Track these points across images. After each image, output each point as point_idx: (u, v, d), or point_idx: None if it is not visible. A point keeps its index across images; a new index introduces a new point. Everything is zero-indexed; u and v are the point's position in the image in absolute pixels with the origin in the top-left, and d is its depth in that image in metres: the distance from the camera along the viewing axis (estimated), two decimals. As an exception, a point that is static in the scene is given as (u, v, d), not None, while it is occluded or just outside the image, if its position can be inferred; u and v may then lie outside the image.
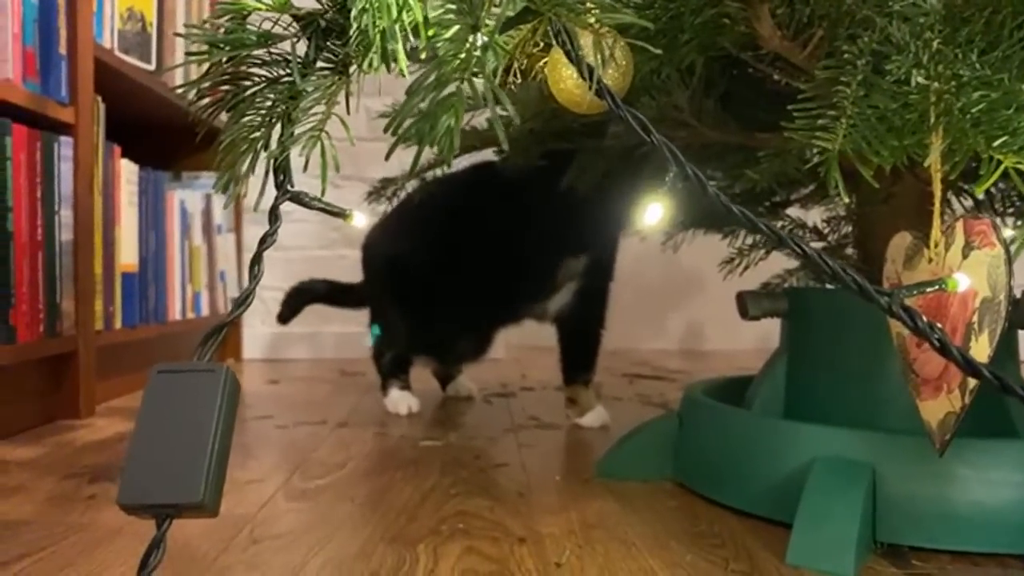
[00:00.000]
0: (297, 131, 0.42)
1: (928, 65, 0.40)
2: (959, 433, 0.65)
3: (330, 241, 2.13)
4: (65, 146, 1.21)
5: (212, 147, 1.71)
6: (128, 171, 1.44)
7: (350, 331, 2.05)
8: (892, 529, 0.67)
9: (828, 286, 0.99)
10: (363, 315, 1.47)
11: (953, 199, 0.93)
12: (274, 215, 0.45)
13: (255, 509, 0.78)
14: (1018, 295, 0.75)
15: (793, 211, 1.07)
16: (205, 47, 0.43)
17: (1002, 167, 0.39)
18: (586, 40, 0.41)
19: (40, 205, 1.14)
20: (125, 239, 1.42)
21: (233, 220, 2.02)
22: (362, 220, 0.48)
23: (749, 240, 0.98)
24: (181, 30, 1.69)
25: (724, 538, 0.70)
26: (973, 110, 0.39)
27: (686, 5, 0.58)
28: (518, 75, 0.52)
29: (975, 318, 0.42)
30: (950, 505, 0.65)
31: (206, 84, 0.44)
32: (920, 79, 0.40)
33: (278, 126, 0.44)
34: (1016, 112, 0.39)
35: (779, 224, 0.92)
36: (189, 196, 1.76)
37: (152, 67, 1.54)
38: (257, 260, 0.44)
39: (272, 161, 0.44)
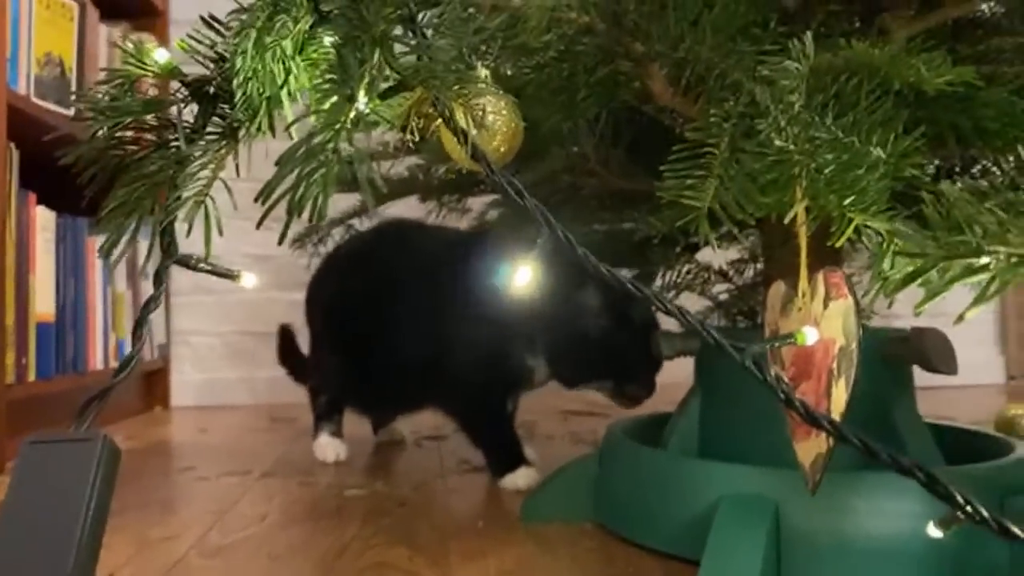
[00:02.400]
0: (183, 195, 0.42)
1: (787, 128, 0.43)
2: (856, 466, 0.68)
3: (261, 285, 2.10)
4: (-26, 195, 1.18)
5: (118, 176, 1.65)
6: (44, 218, 1.41)
7: (281, 375, 2.02)
8: (794, 563, 0.69)
9: (739, 325, 1.03)
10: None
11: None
12: (159, 279, 0.45)
13: (164, 570, 0.76)
14: (907, 332, 0.79)
15: (707, 253, 1.11)
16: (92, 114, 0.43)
17: (853, 224, 0.42)
18: (460, 110, 0.43)
19: (-54, 257, 1.10)
20: (40, 288, 1.38)
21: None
22: (251, 280, 0.48)
23: (659, 283, 1.01)
24: (101, 76, 1.67)
25: (637, 579, 0.71)
26: (827, 170, 0.42)
27: (580, 63, 0.61)
28: (415, 133, 0.53)
29: (834, 365, 0.45)
30: (846, 537, 0.68)
31: (92, 149, 0.44)
32: (780, 141, 0.43)
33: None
34: (865, 172, 0.42)
35: (686, 268, 0.95)
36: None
37: (71, 112, 1.52)
38: (140, 324, 0.44)
39: (157, 226, 0.45)
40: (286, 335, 1.49)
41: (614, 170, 0.85)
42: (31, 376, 1.34)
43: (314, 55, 0.41)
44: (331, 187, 0.37)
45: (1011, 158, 0.66)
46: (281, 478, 1.16)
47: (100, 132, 0.44)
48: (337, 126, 0.38)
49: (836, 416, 0.45)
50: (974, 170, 0.63)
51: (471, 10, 0.53)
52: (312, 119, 0.39)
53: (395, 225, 1.22)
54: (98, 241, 1.65)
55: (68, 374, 1.48)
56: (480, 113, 0.43)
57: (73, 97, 0.42)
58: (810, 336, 0.43)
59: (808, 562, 0.68)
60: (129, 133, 0.45)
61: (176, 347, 2.06)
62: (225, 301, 2.09)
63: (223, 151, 0.44)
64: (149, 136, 0.45)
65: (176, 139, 0.44)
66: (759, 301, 1.04)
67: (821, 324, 0.45)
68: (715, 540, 0.68)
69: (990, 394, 1.93)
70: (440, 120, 0.52)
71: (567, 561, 0.77)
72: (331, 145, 0.37)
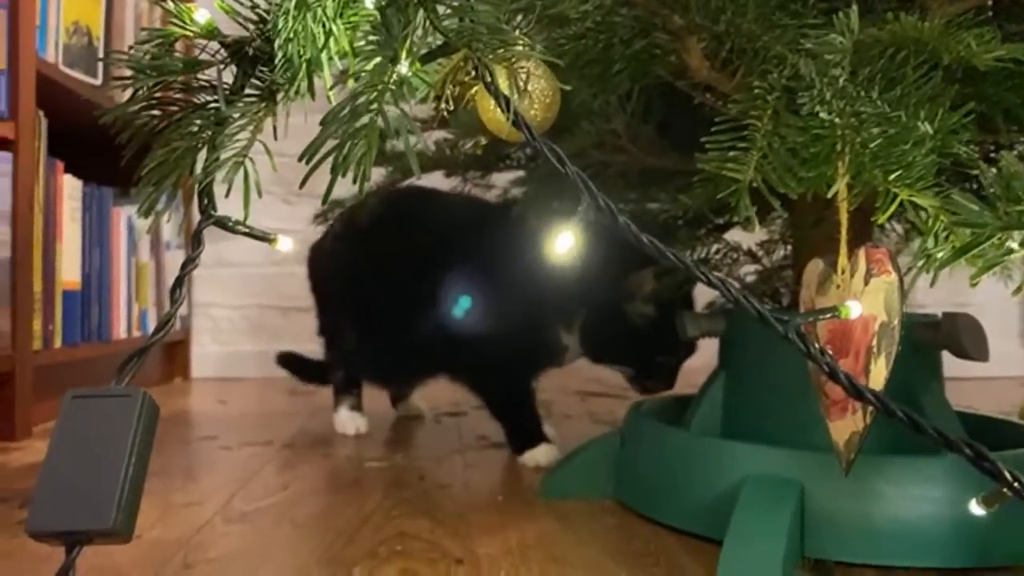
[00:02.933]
0: (222, 157, 0.42)
1: (832, 101, 0.42)
2: (883, 451, 0.68)
3: (282, 259, 2.11)
4: (3, 161, 1.19)
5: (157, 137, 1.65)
6: (71, 187, 1.42)
7: (302, 349, 2.03)
8: (818, 545, 0.69)
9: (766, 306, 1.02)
10: (314, 332, 1.45)
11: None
12: (197, 240, 0.45)
13: (191, 533, 0.77)
14: (940, 316, 0.78)
15: (735, 233, 1.09)
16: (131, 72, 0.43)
17: (898, 200, 0.41)
18: (503, 74, 0.42)
19: (-24, 222, 1.12)
20: (67, 256, 1.39)
21: (183, 236, 1.99)
22: (288, 244, 0.48)
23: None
24: (129, 44, 1.67)
25: (658, 556, 0.71)
26: (872, 145, 0.41)
27: (617, 35, 0.60)
28: (450, 103, 0.53)
29: (874, 342, 0.44)
30: (872, 521, 0.68)
31: (132, 110, 0.44)
32: (825, 115, 0.42)
33: (203, 152, 0.44)
34: (912, 147, 0.41)
35: (715, 248, 0.94)
36: (136, 212, 1.73)
37: (99, 81, 1.52)
38: (179, 283, 0.44)
39: (197, 186, 0.45)
40: (289, 361, 1.47)
41: (644, 147, 0.84)
42: (57, 343, 1.36)
43: (354, 17, 0.41)
44: (375, 147, 0.37)
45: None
46: (302, 449, 1.17)
47: (140, 91, 0.44)
48: (380, 87, 0.37)
49: (876, 395, 0.44)
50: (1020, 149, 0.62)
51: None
52: (351, 82, 0.39)
53: (408, 193, 1.19)
54: (124, 211, 1.66)
55: (93, 342, 1.49)
56: (524, 77, 0.42)
57: (112, 56, 0.42)
58: (854, 310, 0.43)
59: (832, 543, 0.68)
60: (169, 93, 0.45)
61: (196, 319, 2.08)
62: (245, 275, 2.10)
63: (262, 113, 0.44)
64: (188, 97, 0.45)
65: (215, 100, 0.44)
66: (785, 283, 1.03)
67: (861, 300, 0.45)
68: (739, 520, 0.67)
69: (1012, 386, 1.91)
70: (475, 89, 0.51)
71: (587, 537, 0.77)
72: (375, 106, 0.37)
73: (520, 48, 0.41)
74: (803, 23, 0.52)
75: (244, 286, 2.10)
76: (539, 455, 1.06)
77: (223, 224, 0.45)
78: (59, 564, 0.68)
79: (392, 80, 0.38)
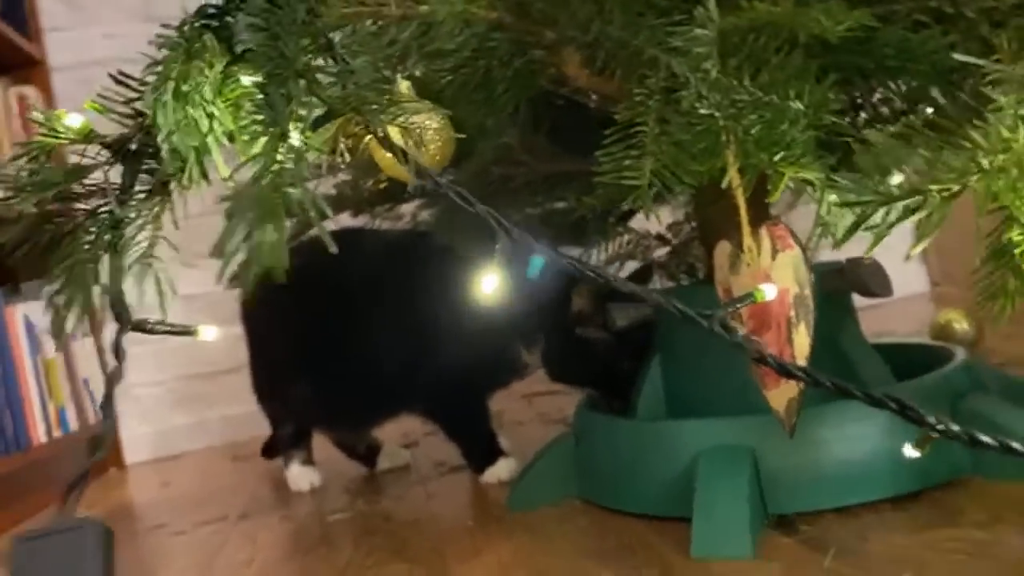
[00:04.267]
0: (128, 261, 0.41)
1: (709, 95, 0.45)
2: (816, 402, 0.72)
3: (198, 325, 2.04)
4: None
5: (50, 252, 1.60)
6: (-43, 298, 1.33)
7: (235, 412, 1.97)
8: (777, 501, 0.72)
9: (682, 283, 1.05)
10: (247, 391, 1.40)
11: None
12: (118, 350, 0.44)
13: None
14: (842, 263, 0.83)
15: (641, 220, 1.13)
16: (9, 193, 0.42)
17: (785, 179, 0.44)
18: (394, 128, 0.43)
19: None
20: (-34, 371, 1.31)
21: (87, 323, 1.90)
22: (212, 334, 0.47)
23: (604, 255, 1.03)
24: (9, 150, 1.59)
25: (634, 547, 0.73)
26: (753, 131, 0.44)
27: (495, 58, 0.62)
28: (344, 155, 0.53)
29: (792, 313, 0.47)
30: (821, 468, 0.71)
31: (18, 230, 0.42)
32: (704, 109, 0.44)
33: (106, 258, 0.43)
34: (789, 126, 0.44)
35: (626, 238, 0.97)
36: (33, 308, 1.64)
37: (-36, 183, 1.44)
38: (108, 400, 0.43)
39: (106, 296, 0.43)
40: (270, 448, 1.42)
41: (540, 156, 0.86)
42: (-27, 463, 1.28)
43: (233, 95, 0.41)
44: (284, 233, 0.37)
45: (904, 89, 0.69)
46: (259, 517, 1.14)
47: (27, 208, 0.42)
48: (277, 166, 0.37)
49: (801, 360, 0.47)
50: (885, 111, 0.66)
51: (379, 23, 0.53)
52: (243, 161, 0.38)
53: (338, 232, 1.17)
54: (18, 309, 1.57)
55: (12, 453, 1.41)
56: (417, 132, 0.43)
57: None
58: (768, 292, 0.45)
59: (790, 498, 0.72)
60: (55, 205, 0.43)
61: (121, 403, 1.98)
62: (162, 349, 2.02)
63: (158, 208, 0.43)
64: (77, 204, 0.43)
65: (106, 204, 0.42)
66: (698, 257, 1.07)
67: (772, 276, 0.48)
68: (701, 494, 0.70)
69: (918, 303, 2.03)
70: (369, 137, 0.51)
71: (563, 544, 0.78)
72: (277, 188, 0.37)
73: (409, 104, 0.42)
74: (668, 21, 0.54)
75: (164, 360, 2.02)
76: (500, 471, 1.07)
77: (142, 328, 0.44)
78: None
79: (287, 156, 0.38)
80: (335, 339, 1.13)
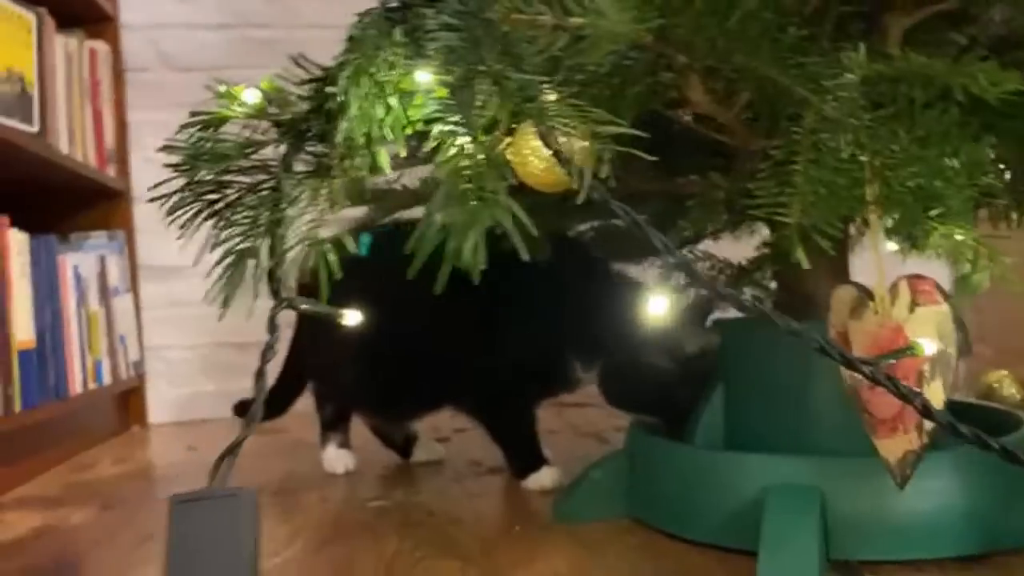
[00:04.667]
0: (291, 239, 0.42)
1: (866, 142, 0.45)
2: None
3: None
4: (-50, 223, 1.12)
5: (98, 205, 1.62)
6: (18, 241, 1.35)
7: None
8: (842, 546, 0.72)
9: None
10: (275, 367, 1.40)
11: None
12: (272, 325, 0.44)
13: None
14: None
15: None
16: (182, 159, 0.42)
17: (936, 234, 0.44)
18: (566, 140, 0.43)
19: (-72, 290, 1.05)
20: (19, 314, 1.32)
21: (129, 280, 1.92)
22: (355, 318, 0.48)
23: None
24: (62, 88, 1.60)
25: (693, 573, 0.74)
26: (909, 183, 0.44)
27: (628, 77, 0.62)
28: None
29: (926, 367, 0.48)
30: (890, 518, 0.72)
31: (189, 197, 0.43)
32: (863, 157, 0.45)
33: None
34: (944, 184, 0.44)
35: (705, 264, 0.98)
36: (82, 259, 1.66)
37: (36, 129, 1.45)
38: (261, 373, 0.44)
39: (268, 272, 0.44)
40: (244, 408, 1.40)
41: (634, 173, 0.86)
42: (17, 407, 1.29)
43: (409, 87, 0.41)
44: (483, 239, 0.37)
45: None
46: (296, 494, 1.14)
47: (198, 176, 0.43)
48: (467, 169, 0.38)
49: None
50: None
51: (531, 32, 0.54)
52: (439, 159, 0.39)
53: (413, 222, 1.16)
54: (69, 259, 1.58)
55: (52, 401, 1.42)
56: (584, 142, 0.43)
57: (167, 146, 0.39)
58: (927, 348, 0.45)
59: (855, 543, 0.72)
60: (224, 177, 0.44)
61: (150, 363, 2.00)
62: (198, 314, 2.02)
63: (317, 188, 0.43)
64: (241, 178, 0.44)
65: (269, 180, 0.43)
66: (755, 284, 1.07)
67: (906, 328, 0.48)
68: (770, 529, 0.70)
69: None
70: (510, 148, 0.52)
71: (616, 561, 0.79)
72: (472, 188, 0.37)
73: (593, 122, 0.42)
74: (817, 61, 0.54)
75: (197, 325, 2.03)
76: (543, 478, 1.07)
77: (293, 305, 0.44)
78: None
79: (479, 159, 0.38)
80: (391, 325, 1.13)
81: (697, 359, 0.99)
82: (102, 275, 1.75)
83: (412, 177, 0.98)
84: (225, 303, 0.44)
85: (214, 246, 0.43)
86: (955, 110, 0.48)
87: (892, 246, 0.66)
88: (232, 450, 0.43)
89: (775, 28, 0.62)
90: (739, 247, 1.09)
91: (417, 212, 1.10)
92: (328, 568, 0.82)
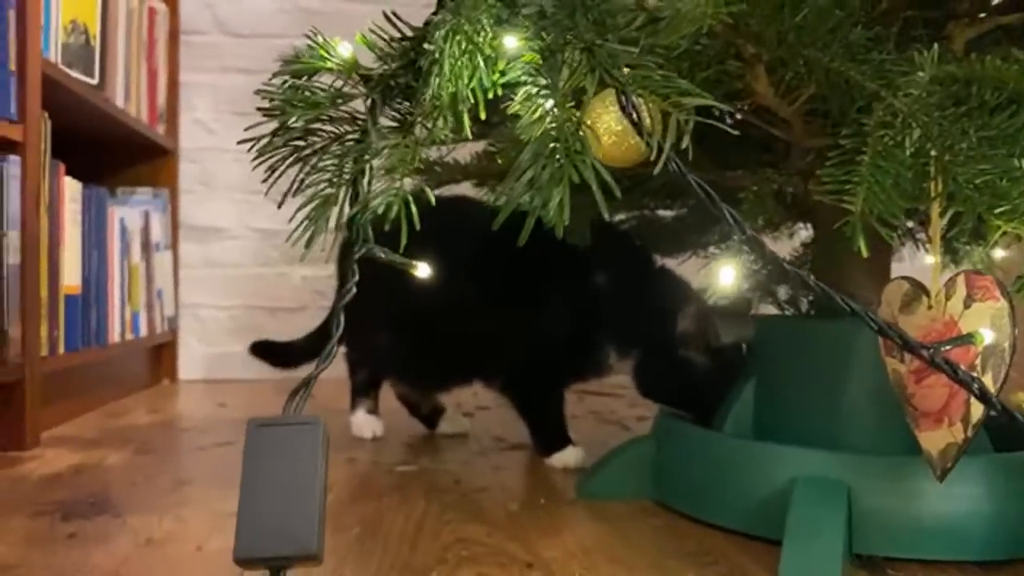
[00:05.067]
0: (377, 188, 0.44)
1: (936, 138, 0.46)
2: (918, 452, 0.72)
3: (270, 260, 2.08)
4: (13, 165, 1.16)
5: (146, 162, 1.65)
6: (72, 189, 1.39)
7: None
8: (866, 541, 0.73)
9: (788, 313, 1.06)
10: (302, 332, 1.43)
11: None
12: (353, 269, 0.46)
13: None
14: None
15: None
16: (276, 104, 0.44)
17: (1001, 231, 0.45)
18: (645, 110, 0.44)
19: (-12, 227, 1.09)
20: (69, 260, 1.37)
21: (170, 237, 1.96)
22: (426, 271, 0.50)
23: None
24: (122, 43, 1.64)
25: (716, 555, 0.75)
26: (977, 180, 0.45)
27: (696, 63, 0.63)
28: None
29: (978, 361, 0.49)
30: (918, 518, 0.72)
31: (280, 143, 0.45)
32: (934, 151, 0.45)
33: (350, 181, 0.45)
34: (1011, 183, 0.45)
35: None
36: (128, 213, 1.70)
37: (95, 81, 1.49)
38: (335, 313, 0.46)
39: (349, 219, 0.46)
40: (263, 349, 1.44)
41: (683, 160, 0.87)
42: (61, 349, 1.33)
43: (499, 50, 0.43)
44: (567, 187, 0.39)
45: None
46: (325, 454, 1.17)
47: (292, 122, 0.45)
48: (567, 131, 0.39)
49: (981, 410, 0.48)
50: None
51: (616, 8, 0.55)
52: (530, 122, 0.41)
53: (455, 198, 1.18)
54: (116, 212, 1.62)
55: (93, 347, 1.47)
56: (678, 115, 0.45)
57: (261, 91, 0.41)
58: (987, 336, 0.46)
59: (880, 539, 0.73)
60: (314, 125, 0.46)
61: (183, 320, 2.04)
62: (233, 275, 2.07)
63: (401, 145, 0.45)
64: (328, 128, 0.46)
65: (353, 132, 0.45)
66: (800, 290, 1.07)
67: (960, 322, 0.49)
68: (796, 519, 0.71)
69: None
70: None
71: (640, 539, 0.80)
72: (560, 147, 0.39)
73: (676, 92, 0.44)
74: (882, 59, 0.55)
75: (231, 287, 2.07)
76: (568, 457, 1.09)
77: (372, 255, 0.46)
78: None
79: (566, 124, 0.40)
80: (429, 297, 1.15)
81: (730, 353, 1.01)
82: (145, 230, 1.79)
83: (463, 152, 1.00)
84: (308, 244, 0.45)
85: (298, 191, 0.45)
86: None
87: (929, 259, 0.67)
88: (307, 383, 0.45)
89: (846, 25, 0.63)
90: (777, 247, 1.10)
91: (463, 187, 1.13)
92: (358, 522, 0.85)
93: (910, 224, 1.03)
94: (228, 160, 2.02)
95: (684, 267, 1.19)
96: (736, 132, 0.89)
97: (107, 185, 1.74)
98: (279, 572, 0.41)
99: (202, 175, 2.04)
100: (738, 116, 0.89)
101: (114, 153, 1.81)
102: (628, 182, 0.95)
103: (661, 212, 1.22)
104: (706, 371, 1.01)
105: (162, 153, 1.92)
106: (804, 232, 1.14)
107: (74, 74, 1.39)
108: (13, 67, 1.16)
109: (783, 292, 1.02)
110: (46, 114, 1.26)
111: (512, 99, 0.46)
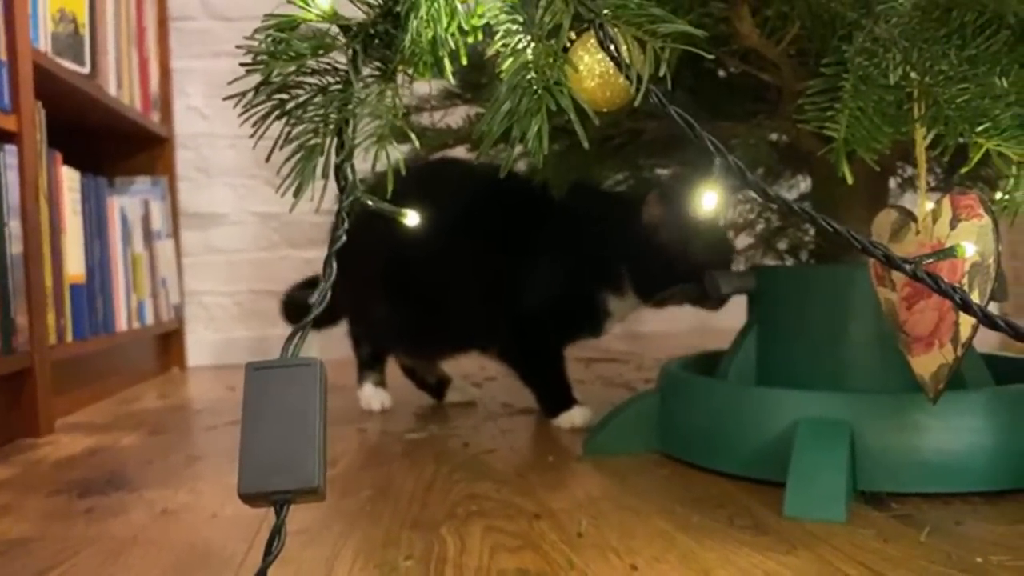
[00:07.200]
0: (360, 137, 0.44)
1: (917, 62, 0.46)
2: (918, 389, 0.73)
3: (271, 243, 2.09)
4: (9, 155, 1.16)
5: (143, 150, 1.66)
6: (70, 178, 1.39)
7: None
8: (870, 478, 0.74)
9: (788, 263, 1.07)
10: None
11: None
12: (341, 218, 0.47)
13: (265, 509, 0.79)
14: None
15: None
16: (259, 58, 0.45)
17: (983, 150, 0.45)
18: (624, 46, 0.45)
19: (-11, 218, 1.10)
20: (71, 249, 1.38)
21: (171, 226, 1.97)
22: (414, 219, 0.50)
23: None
24: (111, 31, 1.64)
25: (722, 499, 0.76)
26: (957, 101, 0.45)
27: (679, 5, 0.63)
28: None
29: (965, 280, 0.49)
30: (919, 453, 0.73)
31: (262, 97, 0.45)
32: (914, 75, 0.46)
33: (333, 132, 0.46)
34: (992, 101, 0.45)
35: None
36: (128, 202, 1.71)
37: (86, 70, 1.49)
38: (329, 261, 0.46)
39: (336, 167, 0.46)
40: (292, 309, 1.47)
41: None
42: (69, 337, 1.34)
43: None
44: (545, 124, 0.39)
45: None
46: (335, 427, 1.18)
47: (274, 75, 0.45)
48: (535, 60, 0.40)
49: (967, 326, 0.49)
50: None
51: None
52: (509, 58, 0.41)
53: (441, 163, 1.16)
54: (116, 201, 1.63)
55: (100, 335, 1.48)
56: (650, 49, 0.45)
57: (243, 43, 0.41)
58: (968, 249, 0.47)
59: (883, 475, 0.74)
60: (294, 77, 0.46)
61: (189, 307, 2.06)
62: (235, 260, 2.08)
63: (384, 92, 0.45)
64: (311, 79, 0.46)
65: (336, 82, 0.45)
66: (801, 239, 1.08)
67: (947, 244, 0.49)
68: (799, 459, 0.72)
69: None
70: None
71: (648, 488, 0.81)
72: (536, 78, 0.39)
73: (652, 20, 0.44)
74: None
75: (235, 272, 2.08)
76: (574, 416, 1.10)
77: (364, 204, 0.47)
78: (146, 545, 0.70)
79: (544, 58, 0.40)
80: (423, 267, 1.16)
81: (706, 225, 1.03)
82: (146, 219, 1.80)
83: (454, 117, 1.00)
84: (297, 193, 0.46)
85: (284, 143, 0.46)
86: (1006, 33, 0.49)
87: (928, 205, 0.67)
88: (304, 326, 0.46)
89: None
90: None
91: (457, 152, 1.14)
92: (370, 485, 0.86)
93: (910, 171, 1.02)
94: (224, 146, 2.02)
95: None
96: (723, 73, 0.89)
97: (105, 175, 1.75)
98: (282, 506, 0.42)
99: (199, 161, 2.04)
100: (731, 69, 0.89)
101: (110, 143, 1.82)
102: (621, 139, 0.95)
103: (657, 171, 1.22)
104: (682, 244, 1.05)
105: (158, 141, 1.93)
106: (804, 184, 1.14)
107: (65, 63, 1.39)
108: (4, 57, 1.16)
109: (783, 243, 1.03)
110: (40, 104, 1.26)
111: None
